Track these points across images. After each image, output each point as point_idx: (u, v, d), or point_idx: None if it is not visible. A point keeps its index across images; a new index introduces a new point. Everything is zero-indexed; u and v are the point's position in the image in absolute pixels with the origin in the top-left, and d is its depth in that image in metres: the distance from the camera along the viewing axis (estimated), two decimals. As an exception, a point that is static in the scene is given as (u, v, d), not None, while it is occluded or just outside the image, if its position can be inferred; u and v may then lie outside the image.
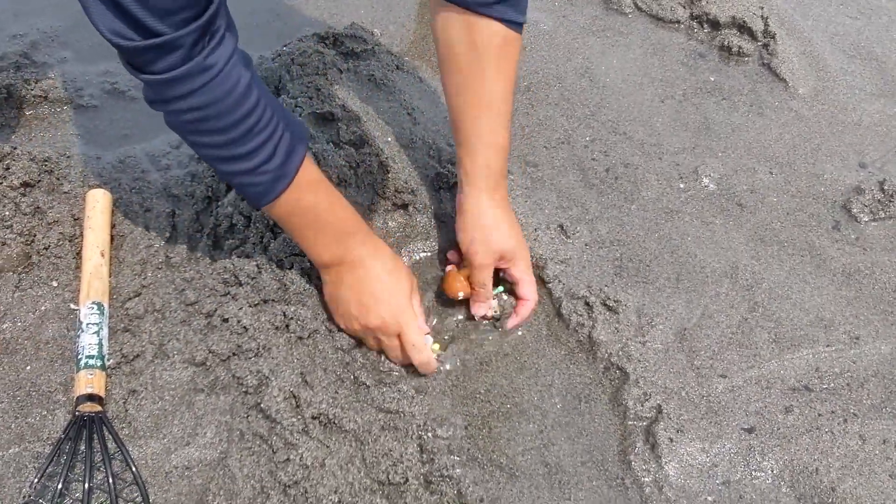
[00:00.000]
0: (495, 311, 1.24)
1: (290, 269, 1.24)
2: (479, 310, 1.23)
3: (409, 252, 1.33)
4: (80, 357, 1.12)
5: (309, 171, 1.07)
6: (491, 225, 1.19)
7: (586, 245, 1.35)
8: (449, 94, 1.18)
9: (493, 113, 1.15)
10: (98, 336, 1.14)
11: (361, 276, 1.14)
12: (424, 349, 1.14)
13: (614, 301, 1.25)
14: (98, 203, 1.30)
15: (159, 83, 0.90)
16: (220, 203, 1.33)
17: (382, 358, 1.17)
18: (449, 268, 1.27)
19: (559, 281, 1.29)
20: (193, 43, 0.87)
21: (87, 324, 1.15)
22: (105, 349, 1.15)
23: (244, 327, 1.17)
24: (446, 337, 1.24)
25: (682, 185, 1.44)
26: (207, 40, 0.89)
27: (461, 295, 1.22)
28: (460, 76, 1.14)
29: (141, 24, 0.83)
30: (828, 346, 1.24)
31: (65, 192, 1.34)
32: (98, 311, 1.17)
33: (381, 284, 1.14)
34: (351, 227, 1.14)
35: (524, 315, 1.23)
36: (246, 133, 0.97)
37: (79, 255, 1.28)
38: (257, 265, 1.24)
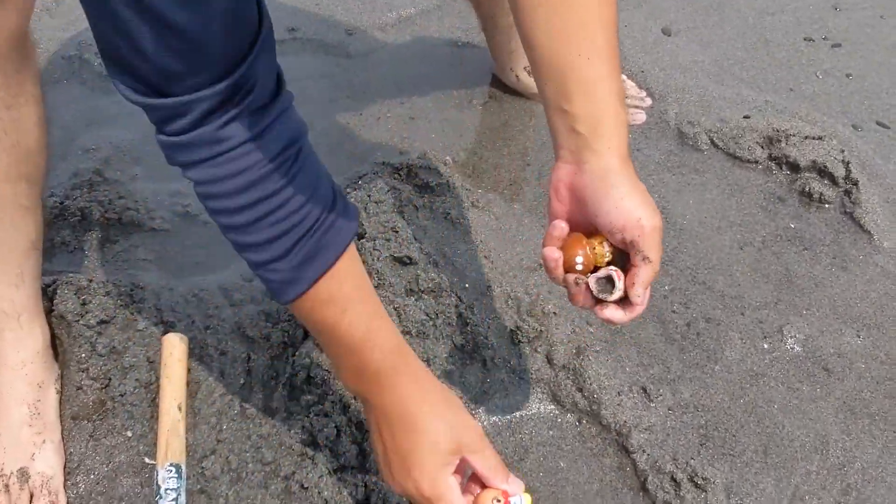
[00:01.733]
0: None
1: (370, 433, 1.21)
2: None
3: (488, 410, 1.30)
4: (157, 528, 1.09)
5: (332, 284, 0.91)
6: (642, 194, 0.85)
7: (670, 409, 1.31)
8: (533, 30, 0.83)
9: (606, 47, 0.83)
10: (176, 503, 1.11)
11: (391, 427, 0.97)
12: None
13: (702, 479, 1.21)
14: (175, 350, 1.27)
15: (165, 144, 0.82)
16: (297, 353, 1.30)
17: None
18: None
19: (643, 451, 1.25)
20: (207, 111, 0.78)
21: (166, 489, 1.12)
22: (182, 518, 1.12)
23: (325, 500, 1.13)
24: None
25: (766, 346, 1.40)
26: (227, 109, 0.79)
27: (580, 264, 0.85)
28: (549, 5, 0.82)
29: (145, 81, 0.75)
30: (926, 538, 1.19)
31: (139, 331, 1.32)
32: (176, 475, 1.14)
33: (410, 444, 0.95)
34: (375, 364, 0.95)
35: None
36: (255, 222, 0.86)
37: (154, 402, 1.26)
38: (336, 427, 1.21)
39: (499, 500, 0.95)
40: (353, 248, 0.95)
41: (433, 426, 0.95)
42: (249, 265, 0.91)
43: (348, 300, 0.94)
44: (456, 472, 0.97)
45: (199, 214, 1.58)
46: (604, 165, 0.84)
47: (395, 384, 0.96)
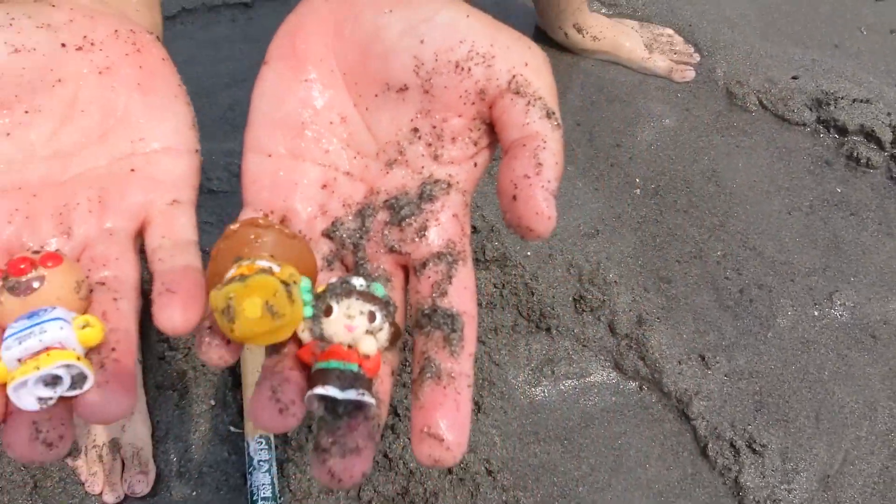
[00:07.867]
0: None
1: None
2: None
3: (555, 378, 1.35)
4: (255, 498, 1.15)
5: None
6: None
7: (726, 376, 1.37)
8: None
9: None
10: (269, 474, 1.17)
11: None
12: None
13: (760, 445, 1.28)
14: (253, 320, 1.31)
15: None
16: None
17: None
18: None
19: (703, 418, 1.31)
20: None
21: (259, 461, 1.18)
22: (276, 489, 1.18)
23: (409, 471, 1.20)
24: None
25: (816, 313, 1.45)
26: None
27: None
28: None
29: None
30: (968, 500, 1.27)
31: (212, 299, 1.35)
32: (266, 447, 1.19)
33: None
34: None
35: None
36: None
37: (234, 370, 1.30)
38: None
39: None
40: None
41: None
42: None
43: None
44: None
45: (256, 176, 1.59)
46: None
47: None
